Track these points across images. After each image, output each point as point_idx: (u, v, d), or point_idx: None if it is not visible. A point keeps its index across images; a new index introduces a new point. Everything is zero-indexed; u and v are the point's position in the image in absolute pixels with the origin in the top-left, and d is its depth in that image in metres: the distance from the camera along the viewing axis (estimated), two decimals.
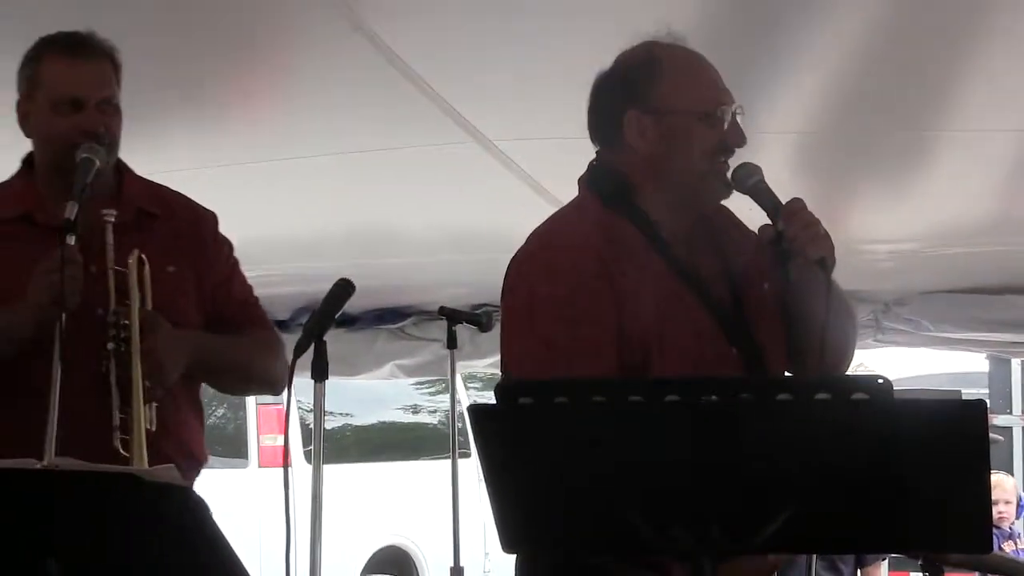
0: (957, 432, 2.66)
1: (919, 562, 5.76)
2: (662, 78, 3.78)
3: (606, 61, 4.47)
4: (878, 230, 6.49)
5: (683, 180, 3.78)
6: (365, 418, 13.12)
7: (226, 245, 4.48)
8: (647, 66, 3.81)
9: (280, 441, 11.73)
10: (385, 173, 6.07)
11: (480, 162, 5.81)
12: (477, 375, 11.31)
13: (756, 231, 3.77)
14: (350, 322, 7.41)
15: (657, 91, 3.77)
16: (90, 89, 4.18)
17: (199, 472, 4.36)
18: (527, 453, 2.74)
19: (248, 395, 5.13)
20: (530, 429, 2.73)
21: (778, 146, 5.71)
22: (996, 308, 7.14)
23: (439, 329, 7.61)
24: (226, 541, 3.42)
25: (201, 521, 3.43)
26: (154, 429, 4.05)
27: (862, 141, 5.71)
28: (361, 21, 4.82)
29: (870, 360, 9.73)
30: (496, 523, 2.80)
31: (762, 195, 3.73)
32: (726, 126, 3.73)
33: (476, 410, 2.73)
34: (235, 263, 4.50)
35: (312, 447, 4.34)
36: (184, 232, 4.35)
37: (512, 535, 2.83)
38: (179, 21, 4.54)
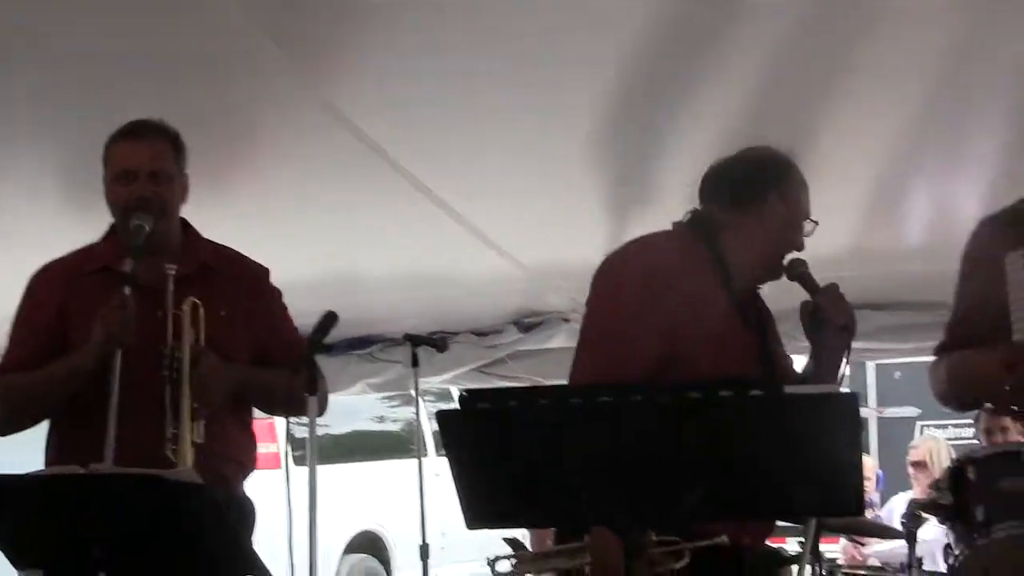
0: (836, 418, 2.68)
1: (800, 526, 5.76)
2: (794, 181, 4.08)
3: (547, 130, 4.50)
4: None
5: (766, 255, 4.05)
6: (340, 427, 13.09)
7: (276, 293, 4.51)
8: (788, 167, 4.09)
9: (271, 448, 11.67)
10: (353, 227, 6.04)
11: (431, 214, 5.77)
12: (432, 391, 11.29)
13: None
14: (327, 349, 7.37)
15: (792, 188, 4.06)
16: (140, 163, 4.21)
17: (247, 476, 4.41)
18: (484, 449, 2.74)
19: (284, 416, 5.25)
20: (486, 429, 2.73)
21: (678, 192, 5.72)
22: None
23: (400, 353, 7.58)
24: (238, 529, 3.43)
25: (215, 512, 3.45)
26: (202, 442, 4.10)
27: None
28: (329, 99, 4.79)
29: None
30: (461, 505, 2.79)
31: (808, 280, 4.11)
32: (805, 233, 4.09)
33: (443, 414, 2.71)
34: (283, 310, 4.52)
35: (306, 451, 4.32)
36: (239, 283, 4.39)
37: (474, 515, 2.82)
38: (168, 101, 4.50)
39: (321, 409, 4.40)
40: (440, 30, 4.37)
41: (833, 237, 6.10)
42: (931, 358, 3.99)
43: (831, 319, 4.08)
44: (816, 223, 4.11)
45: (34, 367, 4.22)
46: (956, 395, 3.75)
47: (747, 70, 4.69)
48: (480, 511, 2.81)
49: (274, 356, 4.39)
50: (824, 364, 4.13)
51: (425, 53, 4.49)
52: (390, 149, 5.16)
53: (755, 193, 4.02)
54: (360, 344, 7.73)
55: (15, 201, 5.56)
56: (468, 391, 2.71)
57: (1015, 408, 3.49)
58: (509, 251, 6.35)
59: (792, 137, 5.13)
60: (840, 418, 2.68)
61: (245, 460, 4.41)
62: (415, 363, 6.80)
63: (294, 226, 5.95)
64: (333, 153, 5.20)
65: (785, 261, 4.09)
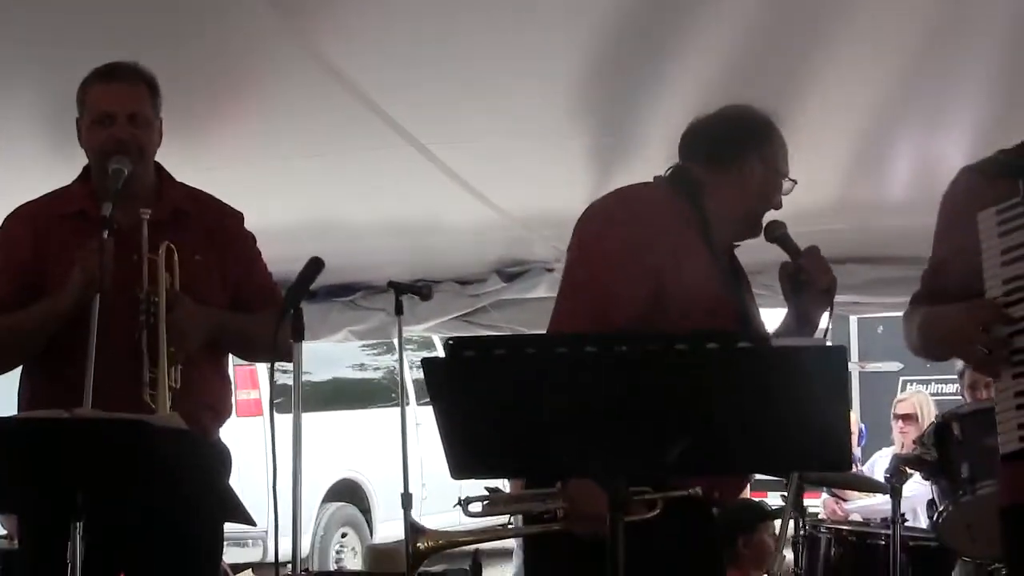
0: (824, 371, 2.67)
1: (784, 481, 5.80)
2: (776, 142, 4.14)
3: (531, 77, 4.49)
4: None
5: (747, 216, 4.11)
6: (321, 375, 13.10)
7: (249, 238, 4.50)
8: (769, 127, 4.13)
9: (253, 395, 11.69)
10: (337, 173, 6.03)
11: (414, 162, 5.77)
12: (413, 339, 11.29)
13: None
14: (310, 296, 7.38)
15: (772, 150, 4.11)
16: (118, 106, 4.19)
17: (222, 423, 4.41)
18: (470, 397, 2.74)
19: (260, 362, 5.24)
20: (472, 377, 2.72)
21: (661, 144, 5.72)
22: (837, 275, 7.16)
23: (383, 300, 7.59)
24: (222, 475, 3.44)
25: (198, 457, 3.46)
26: (179, 387, 4.09)
27: None
28: (312, 43, 4.78)
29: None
30: (445, 454, 2.80)
31: (788, 242, 4.18)
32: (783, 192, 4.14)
33: (428, 362, 2.71)
34: (257, 255, 4.51)
35: (289, 399, 4.32)
36: (213, 227, 4.38)
37: (459, 464, 2.83)
38: (154, 49, 4.49)
39: (284, 354, 4.41)
40: None
41: (817, 191, 6.12)
42: None
43: (813, 282, 4.12)
44: (795, 182, 4.16)
45: (7, 310, 4.20)
46: (930, 350, 3.76)
47: (732, 22, 4.68)
48: (465, 461, 2.82)
49: (248, 301, 4.39)
50: (802, 325, 4.17)
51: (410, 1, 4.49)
52: (374, 95, 5.15)
53: (735, 153, 4.06)
54: (343, 291, 7.74)
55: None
56: (454, 339, 2.71)
57: (989, 366, 3.48)
58: (492, 199, 6.35)
59: (776, 90, 5.16)
60: (828, 372, 2.67)
61: (220, 407, 4.40)
62: (399, 311, 6.81)
63: (278, 172, 5.95)
64: (317, 99, 5.19)
65: (764, 221, 4.14)
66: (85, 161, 4.33)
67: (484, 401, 2.73)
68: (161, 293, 4.11)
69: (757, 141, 4.10)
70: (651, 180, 4.13)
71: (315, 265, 4.41)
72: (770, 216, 4.17)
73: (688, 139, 4.16)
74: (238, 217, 4.47)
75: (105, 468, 3.46)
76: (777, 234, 4.17)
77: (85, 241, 4.08)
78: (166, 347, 4.08)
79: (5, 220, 4.37)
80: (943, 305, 3.60)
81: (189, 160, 5.46)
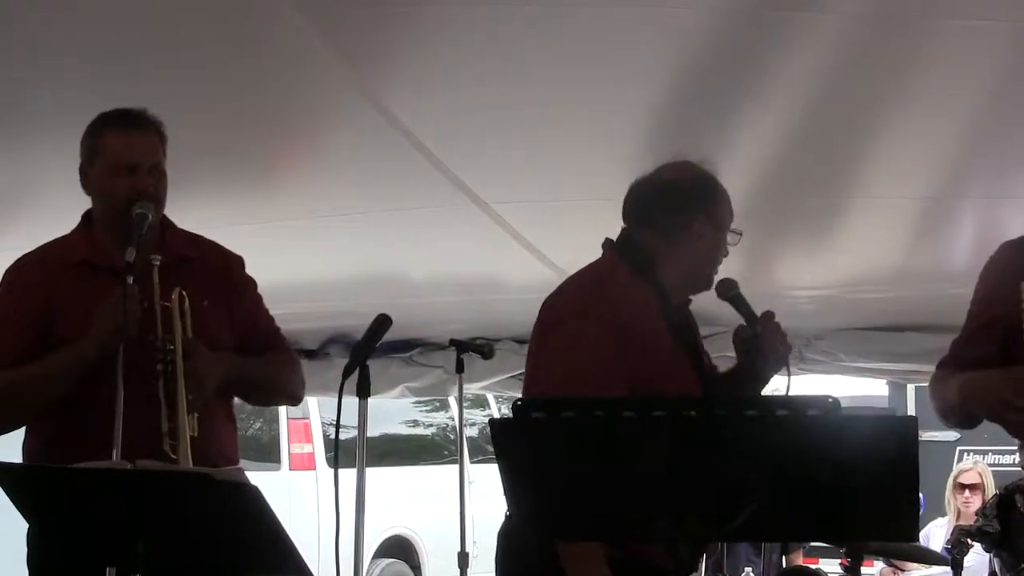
0: (893, 441, 2.68)
1: (841, 549, 5.77)
2: (720, 199, 4.13)
3: (585, 134, 4.52)
4: (801, 278, 6.51)
5: (698, 276, 4.15)
6: (372, 430, 13.13)
7: (251, 282, 4.47)
8: (713, 186, 4.14)
9: (307, 449, 11.76)
10: (400, 229, 6.06)
11: (476, 219, 5.80)
12: (467, 396, 11.32)
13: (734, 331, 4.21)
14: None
15: (717, 209, 4.12)
16: (142, 157, 4.18)
17: None
18: (537, 458, 2.75)
19: (272, 405, 5.14)
20: (541, 438, 2.73)
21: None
22: (896, 343, 7.17)
23: (441, 357, 7.61)
24: (284, 531, 3.44)
25: (264, 514, 3.45)
26: (196, 436, 4.05)
27: (786, 205, 5.73)
28: (380, 102, 4.82)
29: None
30: (509, 511, 2.80)
31: (741, 304, 4.16)
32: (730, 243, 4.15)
33: (496, 423, 2.73)
34: (259, 298, 4.49)
35: (357, 453, 4.31)
36: (216, 272, 4.35)
37: (526, 523, 2.84)
38: (225, 101, 4.53)
39: (299, 398, 4.46)
40: (491, 35, 4.40)
41: (880, 257, 6.14)
42: None
43: (768, 352, 4.14)
44: (740, 234, 4.18)
45: (17, 365, 4.14)
46: (962, 411, 3.77)
47: (792, 87, 4.70)
48: (531, 521, 2.83)
49: (254, 344, 4.38)
50: (753, 381, 4.23)
51: (479, 59, 4.52)
52: (439, 152, 5.18)
53: (682, 218, 4.10)
54: (401, 347, 7.76)
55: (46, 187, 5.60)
56: (522, 400, 2.73)
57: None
58: (552, 259, 6.38)
59: (839, 154, 5.18)
60: (898, 442, 2.68)
61: (233, 454, 4.36)
62: (459, 369, 6.81)
63: (340, 227, 5.98)
64: (383, 155, 5.22)
65: (715, 280, 4.19)
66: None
67: (550, 462, 2.74)
68: (177, 340, 4.08)
69: (701, 202, 4.12)
70: (602, 244, 4.21)
71: (383, 322, 4.42)
72: (723, 272, 4.22)
73: (633, 204, 4.21)
74: (240, 260, 4.45)
75: (167, 521, 3.44)
76: (730, 294, 4.19)
77: (91, 289, 4.08)
78: (184, 395, 4.04)
79: (8, 272, 4.32)
80: (981, 371, 3.62)
81: (253, 210, 5.53)
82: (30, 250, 4.35)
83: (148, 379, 4.05)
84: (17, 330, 4.20)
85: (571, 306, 4.06)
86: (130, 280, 4.01)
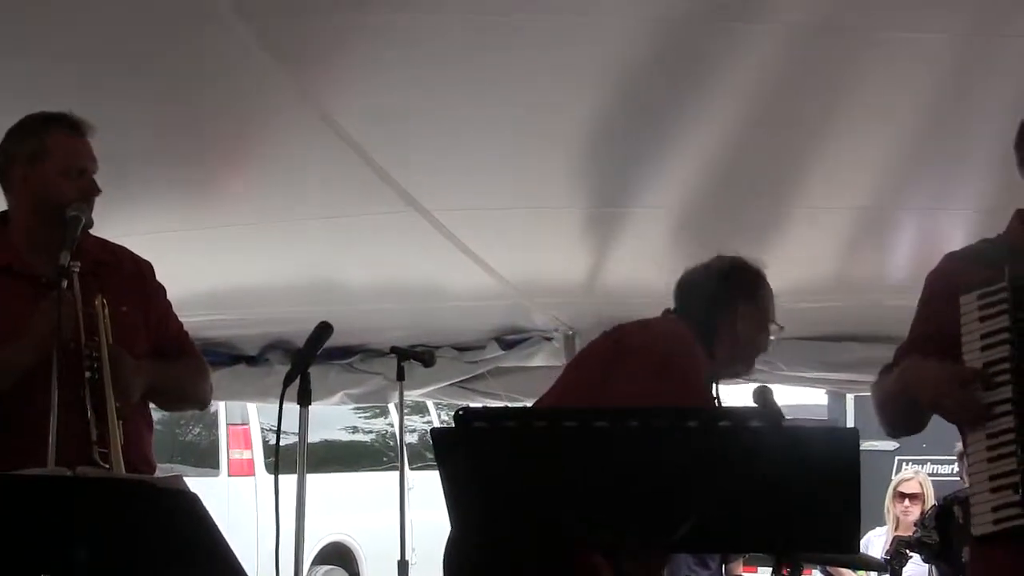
0: (835, 453, 2.70)
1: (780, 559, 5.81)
2: (765, 292, 4.63)
3: (533, 148, 4.54)
4: None
5: (737, 361, 4.61)
6: (311, 436, 13.04)
7: (162, 288, 4.43)
8: (759, 279, 4.63)
9: (246, 455, 11.72)
10: (340, 235, 6.06)
11: (417, 227, 5.81)
12: (407, 403, 11.32)
13: None
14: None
15: (762, 302, 4.62)
16: (91, 161, 4.16)
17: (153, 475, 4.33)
18: (479, 467, 2.76)
19: (181, 411, 5.09)
20: (482, 447, 2.75)
21: (660, 217, 5.77)
22: (836, 353, 7.23)
23: (381, 364, 7.61)
24: (223, 537, 3.43)
25: (203, 521, 3.44)
26: (123, 443, 3.99)
27: (727, 214, 5.76)
28: (321, 109, 4.82)
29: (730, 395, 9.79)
30: (451, 521, 2.81)
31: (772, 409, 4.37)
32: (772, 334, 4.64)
33: (438, 432, 2.74)
34: (169, 303, 4.45)
35: (298, 460, 4.29)
36: (130, 278, 4.31)
37: (464, 531, 2.84)
38: (166, 107, 4.52)
39: (207, 403, 4.46)
40: (433, 43, 4.41)
41: (817, 267, 6.18)
42: None
43: None
44: (781, 328, 4.65)
45: None
46: (900, 400, 3.78)
47: (734, 96, 4.72)
48: (472, 530, 2.84)
49: (166, 349, 4.35)
50: None
51: (417, 65, 4.52)
52: (380, 160, 5.19)
53: (730, 308, 4.53)
54: (341, 354, 7.75)
55: None
56: (464, 409, 2.73)
57: (962, 417, 3.54)
58: (494, 267, 6.39)
59: (778, 164, 5.22)
60: (839, 454, 2.71)
61: (152, 459, 4.32)
62: (400, 376, 6.81)
63: (282, 234, 5.97)
64: (323, 162, 5.23)
65: (753, 387, 4.36)
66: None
67: (492, 471, 2.75)
68: (103, 347, 4.04)
69: (748, 294, 4.58)
70: (663, 312, 4.59)
71: (324, 329, 4.42)
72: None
73: (684, 292, 4.62)
74: (150, 266, 4.41)
75: (108, 528, 3.40)
76: (763, 399, 4.38)
77: (12, 296, 4.04)
78: (113, 402, 3.99)
79: None
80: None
81: (194, 216, 5.51)
82: None
83: (73, 386, 3.99)
84: None
85: (680, 344, 4.39)
86: (64, 284, 3.95)
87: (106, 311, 4.08)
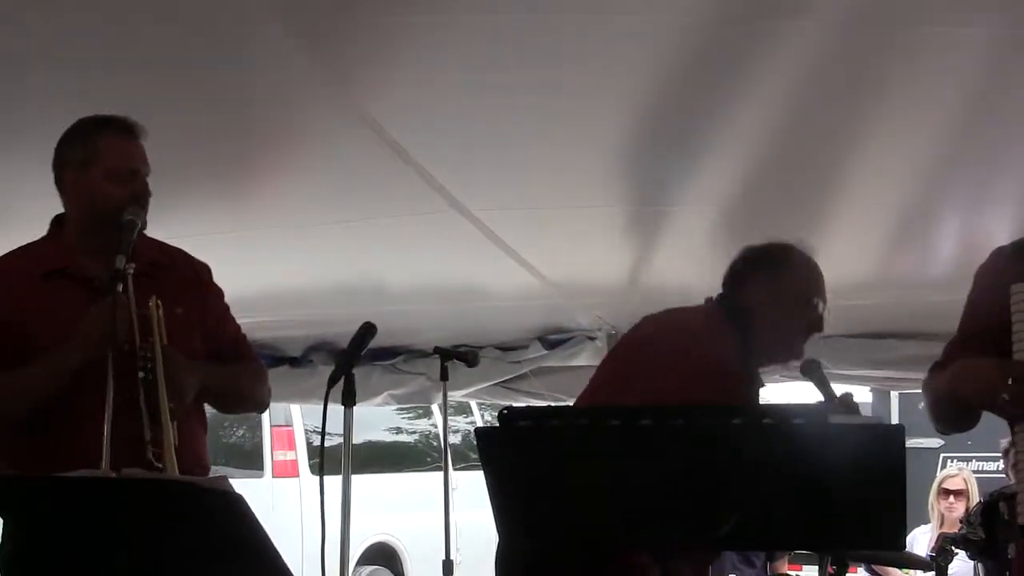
0: (880, 450, 2.70)
1: (826, 557, 5.79)
2: (795, 268, 4.44)
3: (576, 147, 4.55)
4: None
5: (778, 341, 4.38)
6: (355, 437, 13.08)
7: (219, 291, 4.47)
8: (788, 254, 4.45)
9: (290, 456, 11.76)
10: (382, 236, 6.07)
11: (460, 227, 5.82)
12: (450, 403, 11.34)
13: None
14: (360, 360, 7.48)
15: (791, 276, 4.42)
16: (143, 163, 4.19)
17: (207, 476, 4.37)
18: (523, 466, 2.77)
19: (240, 413, 5.14)
20: (526, 446, 2.75)
21: (701, 215, 5.76)
22: (880, 350, 7.20)
23: (424, 365, 7.62)
24: (268, 538, 3.44)
25: (248, 522, 3.45)
26: (177, 444, 4.03)
27: (769, 213, 5.74)
28: (363, 110, 4.83)
29: (775, 393, 9.75)
30: (496, 521, 2.81)
31: (823, 384, 4.40)
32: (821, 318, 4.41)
33: (482, 431, 2.75)
34: (227, 307, 4.49)
35: (343, 461, 4.30)
36: (186, 280, 4.34)
37: (509, 531, 2.85)
38: (209, 112, 4.54)
39: (266, 406, 4.45)
40: (476, 43, 4.41)
41: (860, 264, 6.16)
42: None
43: None
44: (825, 303, 4.42)
45: None
46: (952, 400, 3.78)
47: (777, 94, 4.72)
48: (515, 528, 2.84)
49: (223, 352, 4.38)
50: None
51: (459, 65, 4.53)
52: (421, 160, 5.19)
53: (748, 284, 4.39)
54: (384, 355, 7.77)
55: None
56: (508, 409, 2.74)
57: (1011, 412, 3.54)
58: (536, 267, 6.40)
59: (820, 161, 5.21)
60: (885, 450, 2.70)
61: (207, 462, 4.37)
62: (444, 377, 6.82)
63: (324, 236, 6.00)
64: (364, 163, 5.24)
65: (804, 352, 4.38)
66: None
67: (536, 470, 2.76)
68: (156, 348, 4.06)
69: (771, 268, 4.40)
70: (703, 305, 4.43)
71: (368, 330, 4.42)
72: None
73: (730, 269, 4.48)
74: (208, 268, 4.44)
75: (153, 529, 3.43)
76: (814, 373, 4.40)
77: (68, 299, 4.08)
78: (166, 403, 4.02)
79: None
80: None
81: (232, 219, 5.53)
82: None
83: (127, 387, 4.02)
84: None
85: (666, 335, 4.30)
86: (120, 288, 3.99)
87: (160, 312, 4.11)
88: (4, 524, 3.69)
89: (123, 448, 3.91)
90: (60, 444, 4.00)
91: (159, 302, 4.11)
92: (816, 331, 4.44)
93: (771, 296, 4.36)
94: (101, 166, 4.17)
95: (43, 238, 4.33)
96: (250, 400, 4.56)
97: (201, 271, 4.43)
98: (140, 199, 4.15)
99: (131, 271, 4.08)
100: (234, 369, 4.39)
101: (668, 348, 4.21)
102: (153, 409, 4.03)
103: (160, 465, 3.96)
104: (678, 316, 4.41)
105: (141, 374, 4.04)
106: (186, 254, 4.42)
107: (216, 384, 4.32)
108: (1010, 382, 3.44)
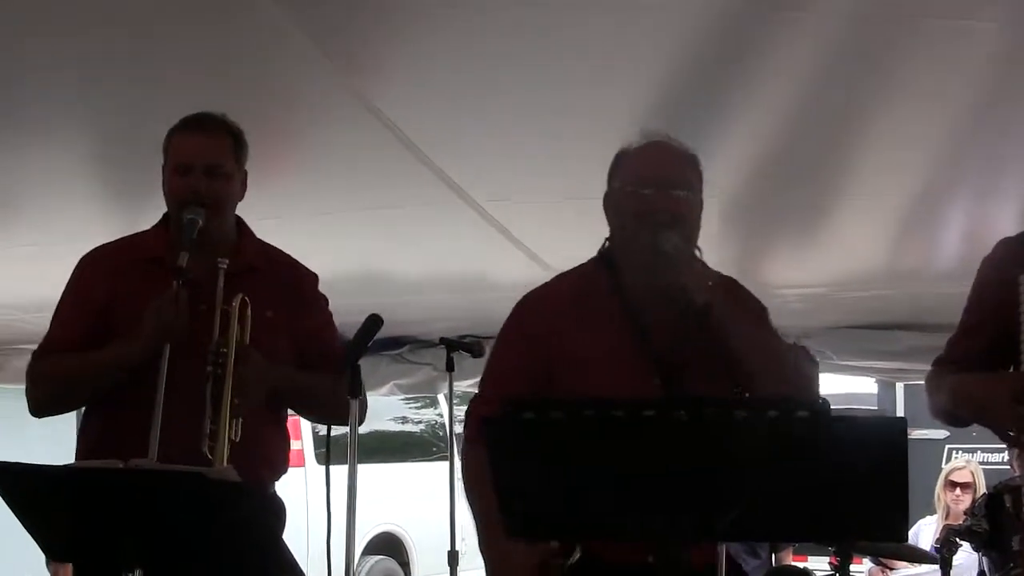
0: (883, 442, 2.69)
1: (830, 547, 5.80)
2: (624, 162, 4.09)
3: (575, 132, 4.54)
4: (790, 277, 6.54)
5: (628, 247, 3.97)
6: (361, 427, 13.09)
7: (323, 301, 4.54)
8: (620, 158, 4.10)
9: (295, 445, 11.76)
10: (389, 227, 6.09)
11: (466, 217, 5.83)
12: (456, 393, 11.35)
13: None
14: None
15: (620, 171, 4.10)
16: (197, 156, 4.24)
17: (279, 477, 4.45)
18: (527, 458, 2.76)
19: (320, 422, 5.25)
20: (530, 438, 2.75)
21: (707, 205, 5.76)
22: (885, 341, 7.21)
23: (431, 355, 7.64)
24: (275, 528, 3.45)
25: (254, 511, 3.47)
26: (238, 440, 4.10)
27: (775, 203, 5.75)
28: (370, 99, 4.84)
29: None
30: (501, 513, 2.82)
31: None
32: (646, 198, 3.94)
33: (489, 422, 2.75)
34: (329, 317, 4.55)
35: (348, 452, 4.31)
36: (285, 286, 4.41)
37: (514, 523, 2.85)
38: (216, 103, 4.54)
39: (362, 418, 4.42)
40: (482, 33, 4.42)
41: (867, 256, 6.16)
42: None
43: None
44: (663, 186, 3.92)
45: (77, 350, 4.23)
46: (956, 414, 3.80)
47: (782, 84, 4.71)
48: (519, 520, 2.85)
49: (313, 362, 4.40)
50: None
51: (466, 56, 4.53)
52: (428, 150, 5.20)
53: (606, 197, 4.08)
54: (390, 345, 7.79)
55: (52, 198, 5.64)
56: (512, 400, 2.74)
57: (1018, 438, 3.52)
58: (543, 257, 6.40)
59: (825, 153, 5.20)
60: (888, 442, 2.70)
61: (278, 461, 4.43)
62: (450, 367, 6.83)
63: (330, 225, 6.00)
64: (371, 153, 5.24)
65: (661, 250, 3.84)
66: (148, 205, 4.38)
67: (541, 462, 2.76)
68: (231, 345, 4.14)
69: (616, 163, 4.10)
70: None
71: (374, 323, 4.42)
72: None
73: None
74: (313, 278, 4.52)
75: (159, 518, 3.46)
76: (665, 247, 3.83)
77: (156, 288, 4.13)
78: (229, 399, 4.09)
79: (81, 261, 4.41)
80: (973, 373, 3.65)
81: (241, 210, 5.53)
82: (109, 241, 4.46)
83: (197, 382, 4.11)
84: (79, 317, 4.30)
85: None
86: (180, 283, 4.08)
87: (247, 311, 4.19)
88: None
89: (186, 439, 4.01)
90: (122, 431, 4.09)
91: (246, 300, 4.20)
92: (649, 214, 3.87)
93: (607, 204, 4.07)
94: (169, 163, 4.30)
95: (153, 227, 4.44)
96: (330, 412, 4.46)
97: (304, 279, 4.50)
98: (195, 192, 4.22)
99: (223, 267, 4.20)
100: (314, 378, 4.39)
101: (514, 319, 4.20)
102: (216, 403, 4.10)
103: (212, 457, 4.04)
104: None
105: (209, 368, 4.12)
106: (294, 261, 4.50)
107: (289, 389, 4.37)
108: (1015, 402, 3.44)
